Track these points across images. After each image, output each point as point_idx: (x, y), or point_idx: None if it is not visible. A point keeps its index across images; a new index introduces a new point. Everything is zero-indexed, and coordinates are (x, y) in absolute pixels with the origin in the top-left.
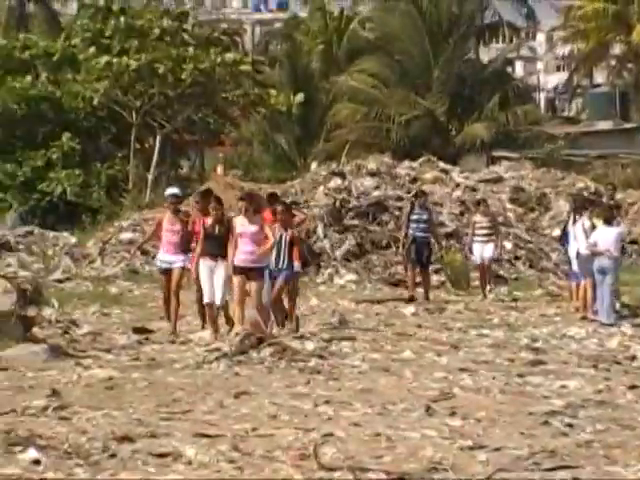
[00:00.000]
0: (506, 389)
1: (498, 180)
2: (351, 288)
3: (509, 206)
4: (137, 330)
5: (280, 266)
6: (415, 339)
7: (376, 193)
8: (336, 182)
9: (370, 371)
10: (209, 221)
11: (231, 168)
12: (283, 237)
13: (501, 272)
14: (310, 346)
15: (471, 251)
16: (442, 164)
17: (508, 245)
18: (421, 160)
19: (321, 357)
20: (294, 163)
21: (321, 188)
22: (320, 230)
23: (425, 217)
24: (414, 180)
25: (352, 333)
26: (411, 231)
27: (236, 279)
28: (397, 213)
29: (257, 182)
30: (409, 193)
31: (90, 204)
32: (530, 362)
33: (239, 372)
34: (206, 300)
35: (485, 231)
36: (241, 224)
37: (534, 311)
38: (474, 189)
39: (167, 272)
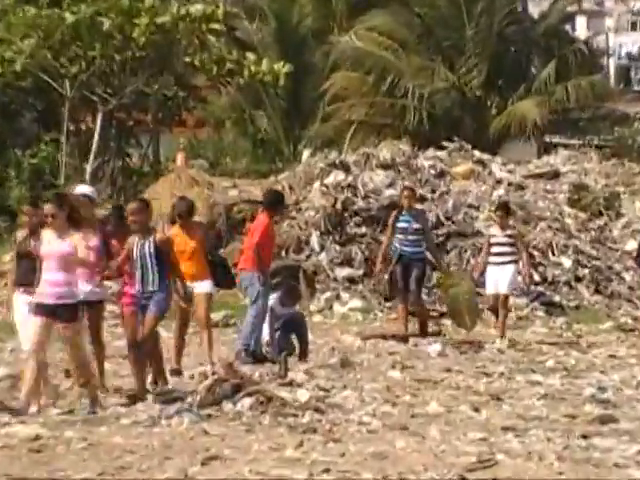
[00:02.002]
0: (566, 455)
1: (553, 175)
2: (356, 318)
3: (568, 210)
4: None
5: (148, 289)
6: (443, 387)
7: (390, 192)
8: (337, 177)
9: (383, 430)
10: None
11: (196, 157)
12: (146, 247)
13: (557, 298)
14: (303, 396)
15: (482, 276)
16: (478, 153)
17: (567, 263)
18: (450, 148)
19: (318, 410)
20: (280, 151)
21: (316, 185)
22: (315, 241)
23: (416, 226)
24: (441, 174)
25: (359, 379)
26: (396, 245)
27: (35, 322)
28: None
29: (230, 176)
30: (434, 192)
31: (7, 204)
32: (597, 419)
33: (208, 430)
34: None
35: (504, 249)
36: (47, 240)
37: (601, 351)
38: (521, 187)
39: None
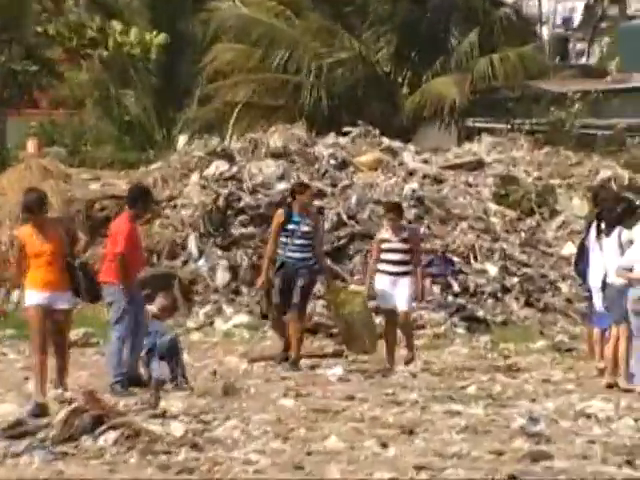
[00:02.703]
0: None
1: (476, 166)
2: (242, 336)
3: (494, 207)
4: None
5: None
6: (344, 419)
7: (282, 186)
8: (219, 168)
9: (273, 469)
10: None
11: (51, 144)
12: None
13: (480, 312)
14: (178, 429)
15: (372, 290)
16: (387, 140)
17: (492, 270)
18: (354, 134)
19: (195, 447)
20: (151, 137)
21: (194, 177)
22: (193, 244)
23: (305, 228)
24: (343, 165)
25: (245, 409)
26: (279, 251)
27: None
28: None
29: (92, 166)
30: (335, 186)
31: None
32: (528, 455)
33: (64, 470)
34: None
35: (398, 257)
36: None
37: (533, 375)
38: (438, 179)
39: None
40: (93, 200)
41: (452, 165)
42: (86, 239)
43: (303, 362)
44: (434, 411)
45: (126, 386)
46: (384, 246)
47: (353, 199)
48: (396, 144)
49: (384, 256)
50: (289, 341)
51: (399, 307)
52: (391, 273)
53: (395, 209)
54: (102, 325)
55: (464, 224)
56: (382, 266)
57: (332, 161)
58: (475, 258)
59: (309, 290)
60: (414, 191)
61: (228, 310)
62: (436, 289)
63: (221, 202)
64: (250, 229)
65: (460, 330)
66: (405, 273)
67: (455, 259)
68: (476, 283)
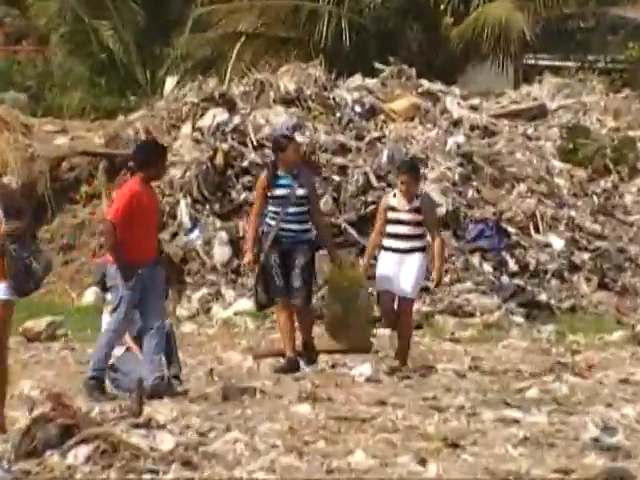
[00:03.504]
0: None
1: (538, 113)
2: (246, 326)
3: (559, 165)
4: None
5: None
6: (374, 429)
7: (299, 139)
8: (216, 117)
9: None
10: None
11: (7, 88)
12: None
13: (543, 296)
14: (167, 442)
15: (370, 269)
16: (426, 82)
17: (558, 243)
18: (385, 74)
19: (188, 464)
20: (132, 79)
21: (185, 129)
22: (184, 212)
23: (302, 192)
24: (371, 112)
25: (249, 416)
26: (270, 222)
27: None
28: (337, 179)
29: (59, 116)
30: (361, 139)
31: None
32: (603, 474)
33: None
34: None
35: (407, 230)
36: None
37: (608, 373)
38: (490, 131)
39: None
40: (60, 158)
41: (507, 113)
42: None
43: (321, 359)
44: (485, 419)
45: (101, 389)
46: (390, 216)
47: (384, 156)
48: (437, 87)
49: (390, 228)
50: (304, 336)
51: (400, 292)
52: (397, 250)
53: (410, 170)
54: (71, 313)
55: (522, 186)
56: (387, 241)
57: (357, 108)
58: (536, 229)
59: (312, 268)
60: (459, 146)
61: (228, 294)
62: (487, 267)
63: (219, 160)
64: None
65: (517, 318)
66: (414, 250)
67: (511, 230)
68: (537, 260)
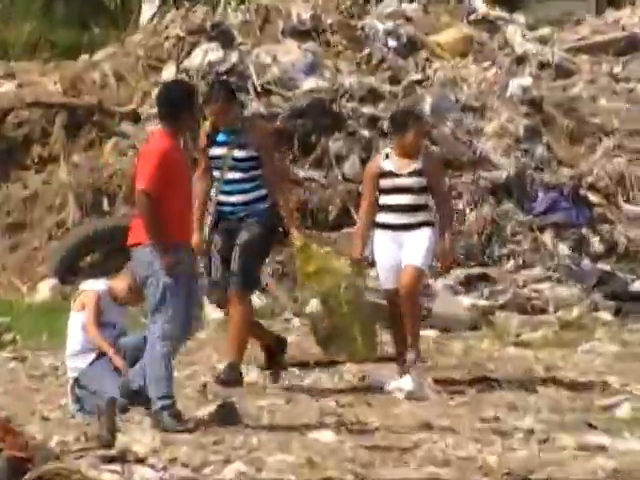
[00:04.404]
0: None
1: (628, 47)
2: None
3: None
4: None
5: None
6: (418, 460)
7: (310, 82)
8: (208, 55)
9: None
10: None
11: None
12: None
13: (636, 286)
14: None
15: (365, 252)
16: (482, 5)
17: None
18: None
19: None
20: (99, 4)
21: (168, 70)
22: None
23: (242, 153)
24: (409, 48)
25: (255, 445)
26: (212, 194)
27: None
28: (367, 134)
29: (2, 56)
30: (397, 82)
31: None
32: None
33: None
34: None
35: (408, 199)
36: None
37: None
38: (565, 70)
39: None
40: (5, 110)
41: (588, 46)
42: None
43: (347, 369)
44: (562, 446)
45: (178, 415)
46: (385, 183)
47: (427, 103)
48: (495, 13)
49: (385, 199)
50: (259, 338)
51: (405, 260)
52: (397, 227)
53: (420, 119)
54: (21, 312)
55: (608, 142)
56: (382, 216)
57: (392, 42)
58: (627, 198)
59: (258, 251)
60: (525, 90)
61: None
62: (564, 248)
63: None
64: None
65: (604, 315)
66: (420, 224)
67: (593, 199)
68: (628, 237)
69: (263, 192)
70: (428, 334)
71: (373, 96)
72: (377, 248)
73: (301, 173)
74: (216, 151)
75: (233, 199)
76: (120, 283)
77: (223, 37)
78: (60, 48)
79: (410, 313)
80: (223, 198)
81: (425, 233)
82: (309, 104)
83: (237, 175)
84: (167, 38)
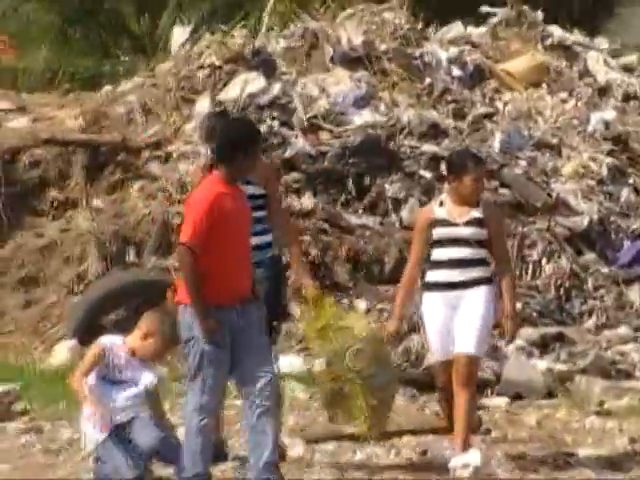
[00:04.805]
0: None
1: None
2: (292, 395)
3: None
4: None
5: None
6: None
7: (364, 117)
8: (247, 85)
9: None
10: None
11: None
12: None
13: None
14: None
15: (418, 317)
16: (558, 30)
17: None
18: (496, 19)
19: None
20: (124, 29)
21: (202, 103)
22: None
23: (256, 190)
24: (476, 76)
25: None
26: None
27: None
28: (427, 176)
29: (13, 86)
30: (462, 118)
31: None
32: None
33: None
34: None
35: (465, 253)
36: None
37: None
38: None
39: None
40: (18, 148)
41: None
42: None
43: (405, 442)
44: None
45: None
46: (439, 233)
47: (496, 140)
48: (574, 38)
49: (437, 253)
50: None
51: (458, 347)
52: (450, 286)
53: (481, 163)
54: (35, 378)
55: None
56: (433, 274)
57: (456, 71)
58: None
59: (278, 313)
60: (608, 124)
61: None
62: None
63: None
64: (306, 199)
65: None
66: (477, 282)
67: None
68: None
69: (269, 238)
70: (497, 402)
71: (435, 132)
72: (427, 313)
73: (353, 219)
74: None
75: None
76: (138, 333)
77: (265, 65)
78: (80, 78)
79: (464, 406)
80: None
81: (482, 296)
82: (362, 141)
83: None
84: (201, 67)
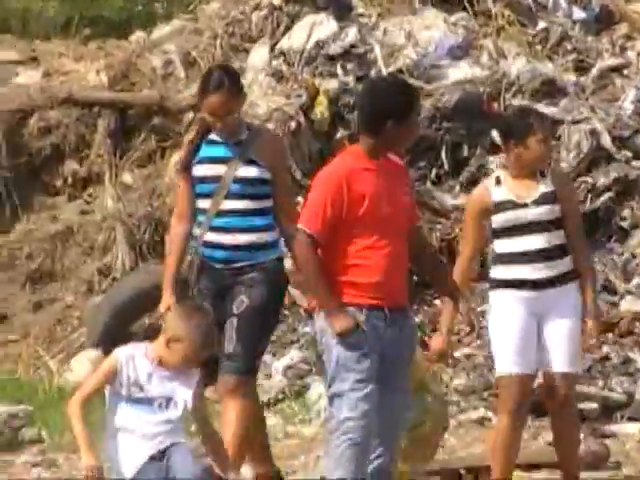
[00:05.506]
0: None
1: None
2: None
3: None
4: None
5: None
6: None
7: (458, 72)
8: (314, 31)
9: None
10: None
11: None
12: None
13: None
14: None
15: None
16: None
17: None
18: None
19: None
20: None
21: (258, 53)
22: None
23: (260, 174)
24: (603, 19)
25: None
26: (197, 231)
27: None
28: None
29: (24, 35)
30: (586, 70)
31: None
32: None
33: None
34: None
35: (541, 240)
36: None
37: None
38: None
39: None
40: (27, 109)
41: None
42: None
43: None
44: None
45: None
46: (500, 221)
47: (628, 99)
48: None
49: (505, 245)
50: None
51: (555, 366)
52: (530, 285)
53: (544, 121)
54: (48, 399)
55: None
56: (502, 270)
57: (578, 14)
58: None
59: (260, 323)
60: None
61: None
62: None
63: (320, 111)
64: None
65: None
66: (563, 278)
67: None
68: None
69: (274, 235)
70: (626, 429)
71: (550, 89)
72: (500, 318)
73: (449, 200)
74: (207, 170)
75: (229, 239)
76: (162, 339)
77: (337, 5)
78: (104, 23)
79: (570, 426)
80: (213, 237)
81: (573, 297)
82: (459, 101)
83: (240, 204)
84: (256, 7)
